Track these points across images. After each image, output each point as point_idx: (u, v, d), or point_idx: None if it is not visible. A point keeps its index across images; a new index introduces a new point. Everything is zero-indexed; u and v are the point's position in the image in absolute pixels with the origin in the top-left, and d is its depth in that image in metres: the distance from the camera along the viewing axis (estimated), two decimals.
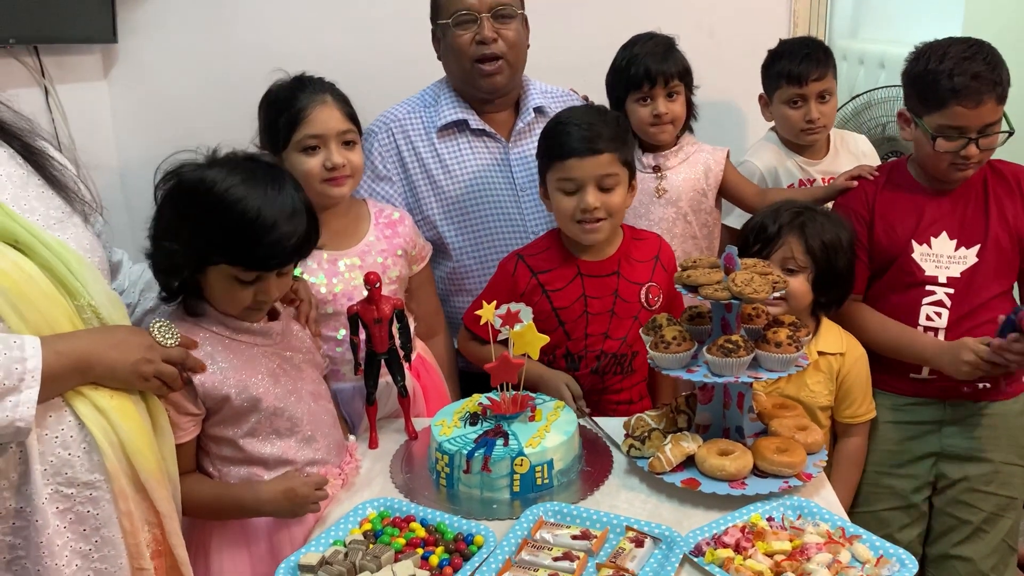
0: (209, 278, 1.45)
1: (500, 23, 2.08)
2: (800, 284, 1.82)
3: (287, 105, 1.77)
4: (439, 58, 2.20)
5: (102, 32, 2.82)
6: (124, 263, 1.62)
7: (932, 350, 1.89)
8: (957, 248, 1.94)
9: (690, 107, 2.23)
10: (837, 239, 1.86)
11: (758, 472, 1.53)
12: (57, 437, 1.22)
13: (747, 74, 2.73)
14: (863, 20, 4.29)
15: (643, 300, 1.89)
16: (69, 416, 1.24)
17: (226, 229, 1.38)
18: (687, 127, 2.26)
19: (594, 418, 1.80)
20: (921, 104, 1.91)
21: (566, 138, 1.82)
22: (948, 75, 1.83)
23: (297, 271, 1.70)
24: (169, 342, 1.35)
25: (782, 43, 2.40)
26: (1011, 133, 1.90)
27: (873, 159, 2.47)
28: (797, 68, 2.27)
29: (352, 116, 1.83)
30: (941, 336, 1.91)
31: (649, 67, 2.15)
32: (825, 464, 1.60)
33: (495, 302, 1.63)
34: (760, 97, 2.43)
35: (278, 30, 2.84)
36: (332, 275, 1.83)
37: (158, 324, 1.35)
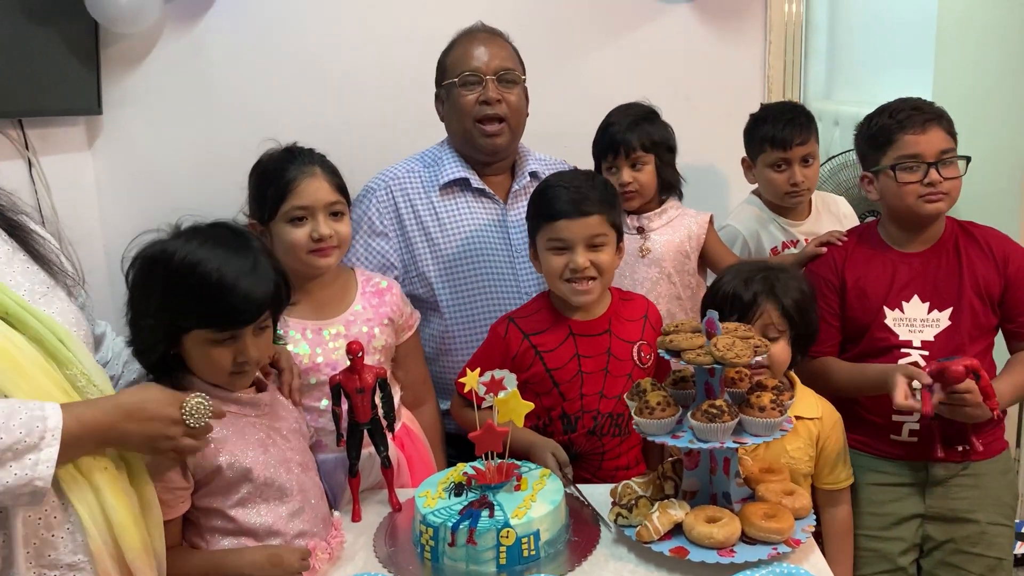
0: (187, 348, 1.45)
1: (504, 87, 2.15)
2: (782, 349, 1.82)
3: (276, 176, 1.79)
4: (442, 119, 2.26)
5: (87, 104, 2.85)
6: (107, 335, 1.62)
7: (875, 373, 1.89)
8: (930, 311, 1.96)
9: (664, 175, 2.25)
10: (804, 294, 1.88)
11: (746, 539, 1.52)
12: (40, 519, 1.20)
13: (724, 138, 2.80)
14: (836, 82, 4.41)
15: (636, 358, 1.90)
16: (52, 497, 1.22)
17: (190, 291, 1.39)
18: (674, 193, 2.29)
19: (579, 487, 1.78)
20: (874, 150, 2.00)
21: (556, 200, 1.85)
22: (890, 114, 1.97)
23: (280, 341, 1.70)
24: (197, 425, 1.31)
25: (764, 108, 2.47)
26: (968, 159, 1.96)
27: (853, 220, 2.52)
28: (781, 133, 2.32)
29: (341, 187, 1.85)
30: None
31: (614, 137, 2.23)
32: (814, 529, 1.58)
33: (479, 369, 1.63)
34: (743, 160, 2.47)
35: (262, 101, 2.87)
36: (316, 344, 1.82)
37: (193, 401, 1.30)
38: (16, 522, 1.18)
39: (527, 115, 2.25)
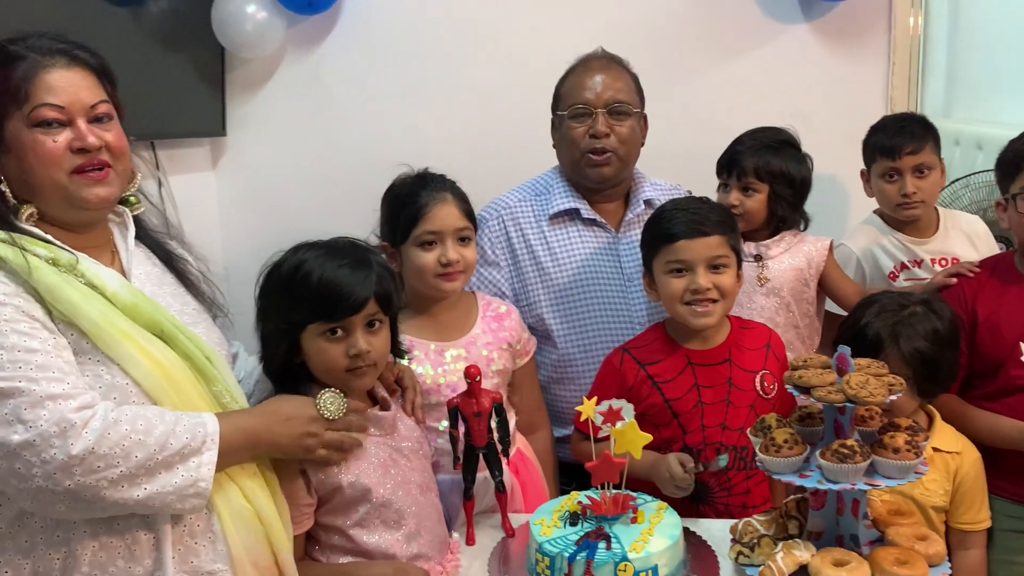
0: (305, 349, 1.50)
1: (615, 119, 2.12)
2: (904, 399, 1.74)
3: (409, 201, 1.83)
4: (554, 146, 2.25)
5: (212, 126, 2.98)
6: (240, 355, 1.69)
7: (1011, 433, 1.79)
8: None
9: (776, 208, 2.18)
10: (937, 337, 1.78)
11: None
12: (185, 526, 1.27)
13: (844, 159, 2.72)
14: (955, 100, 4.21)
15: (759, 388, 1.85)
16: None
17: (297, 288, 1.47)
18: (790, 228, 2.22)
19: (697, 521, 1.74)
20: (1004, 177, 1.92)
21: (673, 221, 1.83)
22: None
23: (404, 355, 1.74)
24: (334, 415, 1.41)
25: (883, 118, 2.40)
26: None
27: (988, 240, 2.38)
28: (890, 141, 2.25)
29: (469, 213, 1.88)
30: None
31: (733, 156, 2.19)
32: None
33: (595, 398, 1.61)
34: (862, 173, 2.40)
35: (378, 124, 2.95)
36: (438, 365, 1.85)
37: (325, 396, 1.41)
38: (165, 527, 1.25)
39: (642, 144, 2.21)
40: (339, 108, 2.98)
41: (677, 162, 2.37)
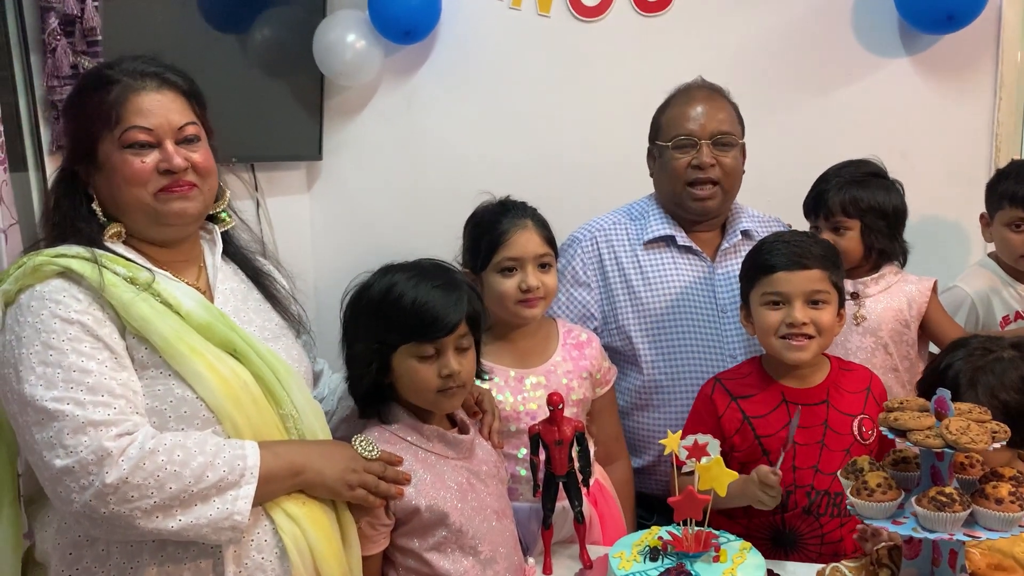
0: (396, 371, 1.52)
1: (719, 151, 2.09)
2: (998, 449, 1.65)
3: (490, 228, 1.85)
4: (651, 175, 2.23)
5: (309, 150, 3.09)
6: (325, 372, 1.72)
7: None
8: None
9: (873, 242, 2.13)
10: (1020, 384, 1.66)
11: None
12: (253, 540, 1.28)
13: (944, 198, 2.64)
14: None
15: (856, 433, 1.78)
16: (266, 521, 1.30)
17: (390, 310, 1.49)
18: (892, 261, 2.16)
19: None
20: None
21: (773, 252, 1.80)
22: None
23: (485, 376, 1.75)
24: (371, 455, 1.41)
25: (1013, 163, 2.32)
26: None
27: None
28: (1023, 190, 2.15)
29: (550, 240, 1.89)
30: None
31: (817, 197, 2.15)
32: None
33: (680, 431, 1.58)
34: (981, 216, 2.31)
35: (469, 151, 3.00)
36: (517, 392, 1.85)
37: (360, 439, 1.43)
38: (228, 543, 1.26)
39: (743, 173, 2.18)
40: (430, 135, 3.05)
41: (775, 195, 2.33)
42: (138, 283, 1.30)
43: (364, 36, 2.86)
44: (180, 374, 1.28)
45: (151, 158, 1.34)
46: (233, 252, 1.52)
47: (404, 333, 1.50)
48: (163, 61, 1.41)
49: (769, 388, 1.84)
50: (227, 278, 1.46)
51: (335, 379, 1.71)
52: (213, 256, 1.47)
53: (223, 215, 1.50)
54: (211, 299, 1.41)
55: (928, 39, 2.73)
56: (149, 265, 1.36)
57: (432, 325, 1.49)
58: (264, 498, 1.28)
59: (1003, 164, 2.43)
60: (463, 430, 1.62)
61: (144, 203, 1.35)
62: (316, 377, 1.68)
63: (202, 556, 1.26)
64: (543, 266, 1.85)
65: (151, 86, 1.36)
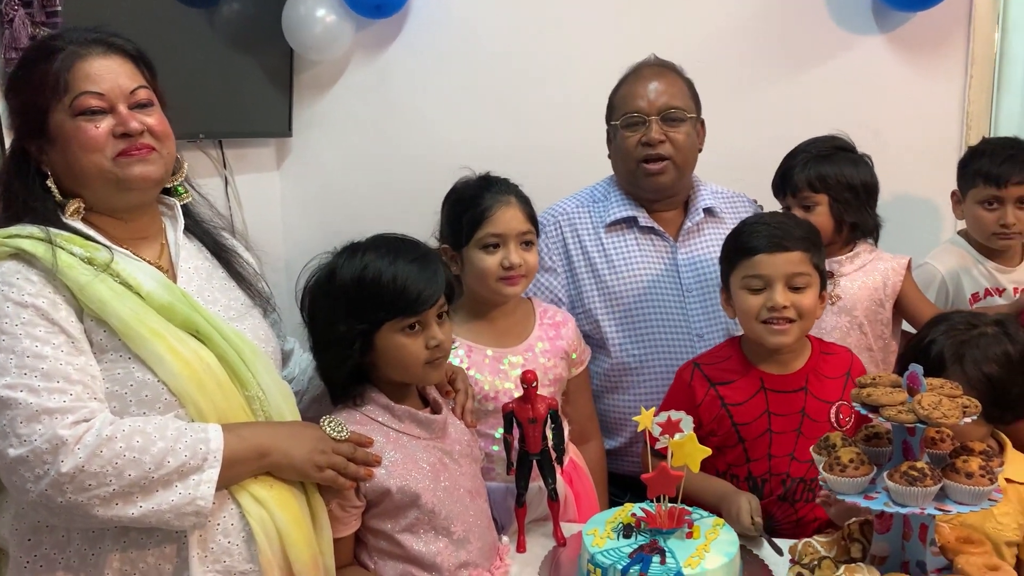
0: (380, 349, 1.50)
1: (669, 126, 2.08)
2: (973, 424, 1.66)
3: (472, 203, 1.83)
4: (609, 157, 2.22)
5: (279, 126, 3.03)
6: (295, 351, 1.69)
7: None
8: None
9: (843, 216, 2.12)
10: (1004, 358, 1.67)
11: None
12: (219, 524, 1.26)
13: (915, 175, 2.65)
14: None
15: (833, 420, 1.78)
16: (232, 504, 1.28)
17: (372, 287, 1.47)
18: (864, 236, 2.17)
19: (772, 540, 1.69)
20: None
21: (754, 235, 1.78)
22: None
23: (461, 364, 1.75)
24: (340, 436, 1.39)
25: (985, 141, 2.32)
26: None
27: None
28: (997, 169, 2.16)
29: (532, 217, 1.87)
30: None
31: (783, 174, 2.15)
32: None
33: (653, 408, 1.58)
34: (953, 194, 2.32)
35: (443, 127, 2.96)
36: (495, 372, 1.84)
37: (328, 420, 1.41)
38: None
39: (699, 150, 2.17)
40: (403, 111, 3.01)
41: (749, 173, 2.31)
42: (96, 263, 1.27)
43: (334, 10, 2.81)
44: (140, 357, 1.25)
45: (105, 123, 1.30)
46: (196, 228, 1.48)
47: (389, 310, 1.48)
48: (108, 28, 1.37)
49: (748, 374, 1.83)
50: (191, 256, 1.43)
51: (305, 358, 1.68)
52: (175, 232, 1.43)
53: (179, 188, 1.46)
54: (174, 278, 1.38)
55: (901, 16, 2.74)
56: (109, 243, 1.32)
57: (417, 299, 1.48)
58: (229, 481, 1.26)
59: (974, 142, 2.44)
60: (435, 410, 1.60)
61: (103, 169, 1.31)
62: (286, 356, 1.66)
63: (166, 541, 1.24)
64: (525, 243, 1.84)
65: (97, 51, 1.32)
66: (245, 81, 2.83)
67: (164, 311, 1.29)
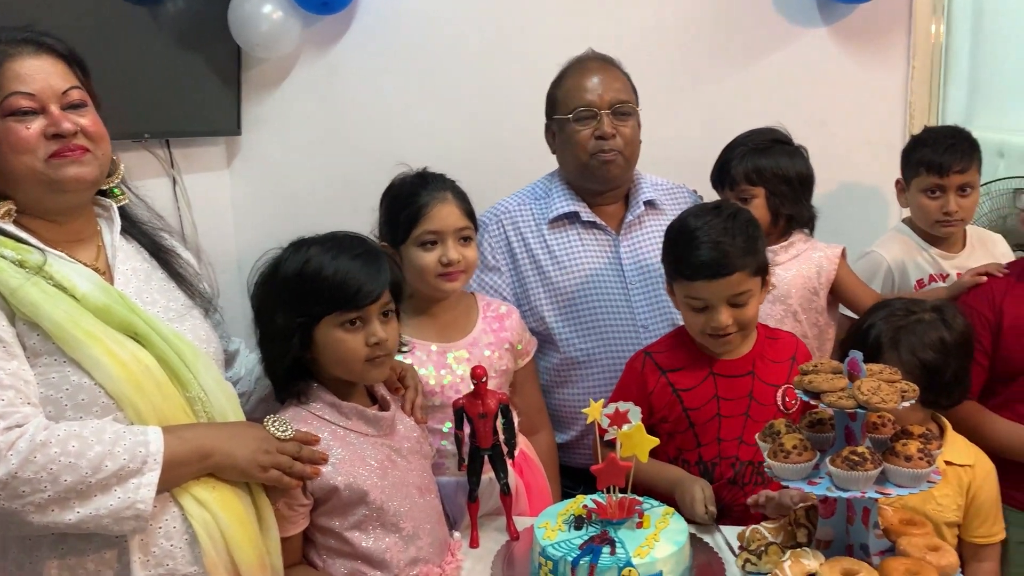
0: (319, 343, 1.49)
1: (618, 120, 2.09)
2: (911, 408, 1.70)
3: (409, 201, 1.82)
4: (553, 151, 2.22)
5: (227, 125, 2.98)
6: (240, 352, 1.67)
7: None
8: None
9: (779, 208, 2.16)
10: (939, 343, 1.72)
11: None
12: (161, 528, 1.24)
13: (861, 165, 2.69)
14: (977, 108, 4.16)
15: (780, 403, 1.81)
16: (174, 507, 1.26)
17: (312, 280, 1.46)
18: (800, 227, 2.20)
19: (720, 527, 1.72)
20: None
21: (694, 258, 1.74)
22: None
23: (404, 348, 1.72)
24: (284, 435, 1.38)
25: (927, 130, 2.36)
26: None
27: (1009, 258, 2.34)
28: (939, 157, 2.20)
29: (470, 213, 1.87)
30: None
31: (720, 168, 2.17)
32: None
33: (602, 400, 1.59)
34: (897, 182, 2.36)
35: (395, 124, 2.94)
36: (440, 367, 1.83)
37: (273, 419, 1.39)
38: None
39: (640, 142, 2.18)
40: (354, 108, 2.98)
41: (697, 167, 2.32)
42: (28, 266, 1.24)
43: (280, 6, 2.77)
44: (76, 360, 1.23)
45: (36, 124, 1.28)
46: (133, 229, 1.46)
47: (328, 303, 1.47)
48: (39, 28, 1.34)
49: (698, 361, 1.85)
50: (128, 257, 1.40)
51: (252, 359, 1.66)
52: (111, 234, 1.40)
53: (115, 190, 1.43)
54: (111, 280, 1.35)
55: (844, 8, 2.78)
56: (42, 246, 1.29)
57: (357, 293, 1.47)
58: (171, 484, 1.24)
59: (917, 131, 2.48)
60: (384, 407, 1.60)
61: (36, 170, 1.28)
62: (231, 357, 1.64)
63: (106, 547, 1.22)
64: (463, 239, 1.84)
65: (28, 51, 1.30)
66: (191, 79, 2.78)
67: (100, 313, 1.26)
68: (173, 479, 1.24)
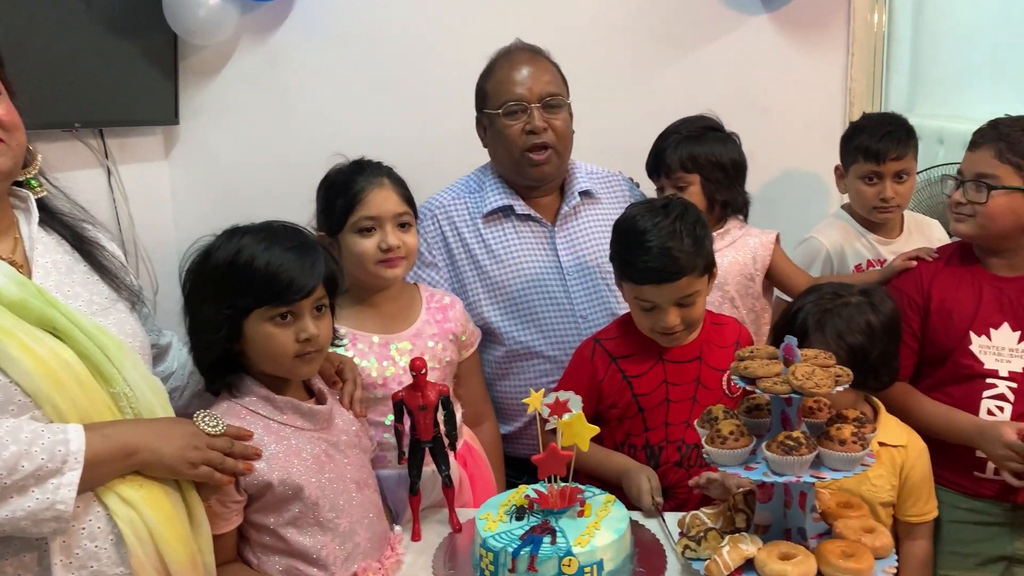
0: (248, 337, 1.45)
1: (549, 113, 2.07)
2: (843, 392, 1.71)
3: (345, 188, 1.80)
4: (484, 145, 2.19)
5: (164, 114, 2.91)
6: (173, 345, 1.62)
7: (969, 429, 1.78)
8: (1020, 340, 1.83)
9: (714, 195, 2.17)
10: (865, 327, 1.74)
11: None
12: (84, 528, 1.20)
13: (802, 151, 2.72)
14: (919, 95, 4.24)
15: (725, 388, 1.83)
16: (98, 507, 1.21)
17: (241, 273, 1.43)
18: (734, 214, 2.22)
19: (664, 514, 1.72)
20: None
21: (642, 263, 1.73)
22: None
23: (340, 341, 1.70)
24: (215, 431, 1.33)
25: (865, 116, 2.38)
26: None
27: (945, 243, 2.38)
28: (876, 145, 2.23)
29: (408, 199, 1.84)
30: None
31: (655, 157, 2.18)
32: (895, 571, 1.49)
33: (543, 390, 1.58)
34: (836, 168, 2.38)
35: (336, 112, 2.90)
36: (383, 359, 1.81)
37: (202, 415, 1.34)
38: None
39: (573, 134, 2.15)
40: (295, 96, 2.93)
41: (638, 155, 2.33)
42: None
43: None
44: None
45: None
46: (52, 221, 1.40)
47: (258, 297, 1.43)
48: None
49: (646, 347, 1.86)
50: (48, 250, 1.34)
51: (185, 353, 1.62)
52: (29, 226, 1.35)
53: (32, 181, 1.38)
54: (29, 273, 1.30)
55: None
56: None
57: (289, 287, 1.43)
58: (94, 483, 1.19)
59: (857, 118, 2.51)
60: (320, 400, 1.57)
61: None
62: (163, 351, 1.59)
63: (25, 549, 1.17)
64: (403, 225, 1.81)
65: None
66: (125, 67, 2.70)
67: (16, 308, 1.21)
68: (96, 478, 1.20)
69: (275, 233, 1.49)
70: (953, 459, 1.84)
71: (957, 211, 1.88)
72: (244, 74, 2.93)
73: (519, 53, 2.13)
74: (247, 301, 1.43)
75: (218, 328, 1.44)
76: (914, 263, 1.99)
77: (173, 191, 3.04)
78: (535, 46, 2.15)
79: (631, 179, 2.31)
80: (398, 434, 1.67)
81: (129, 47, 2.71)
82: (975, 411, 1.83)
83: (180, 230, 3.01)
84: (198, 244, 1.51)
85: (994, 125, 1.86)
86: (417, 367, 1.62)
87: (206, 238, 1.52)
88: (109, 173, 2.70)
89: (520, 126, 2.06)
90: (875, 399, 1.82)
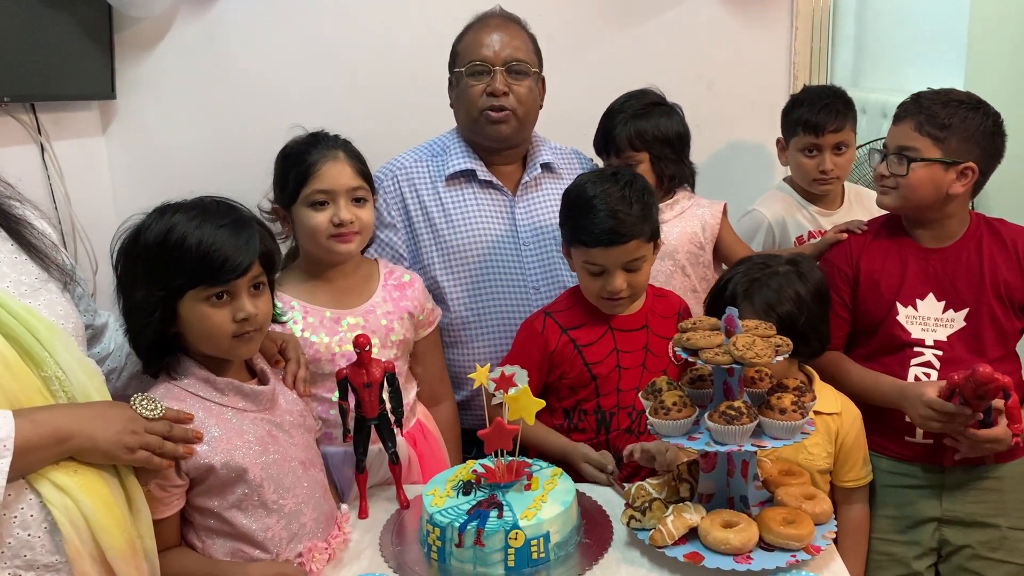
0: (184, 318, 1.42)
1: (513, 78, 2.07)
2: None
3: (299, 160, 1.77)
4: (451, 105, 2.19)
5: (100, 88, 2.82)
6: (110, 325, 1.58)
7: (892, 391, 1.82)
8: (945, 310, 1.88)
9: (663, 169, 2.19)
10: (794, 296, 1.76)
11: (764, 545, 1.46)
12: (16, 517, 1.17)
13: (746, 125, 2.74)
14: (864, 69, 4.29)
15: (671, 355, 1.86)
16: (30, 495, 1.18)
17: (175, 251, 1.38)
18: (682, 185, 2.23)
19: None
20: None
21: (592, 226, 1.77)
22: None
23: (281, 316, 1.67)
24: (153, 414, 1.30)
25: (805, 89, 2.41)
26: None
27: None
28: (815, 117, 2.25)
29: (364, 173, 1.82)
30: None
31: (604, 136, 2.20)
32: (835, 535, 1.53)
33: (488, 364, 1.58)
34: (777, 141, 2.41)
35: (276, 85, 2.83)
36: (333, 333, 1.79)
37: (139, 398, 1.31)
38: None
39: (540, 106, 2.17)
40: (236, 70, 2.86)
41: (585, 130, 2.32)
42: None
43: None
44: None
45: None
46: None
47: (191, 277, 1.39)
48: None
49: (595, 317, 1.89)
50: None
51: (122, 333, 1.58)
52: None
53: None
54: None
55: None
56: None
57: (223, 267, 1.40)
58: (25, 470, 1.16)
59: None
60: (263, 380, 1.54)
61: None
62: (99, 332, 1.55)
63: None
64: (357, 200, 1.78)
65: None
66: (57, 40, 2.60)
67: None
68: (28, 465, 1.16)
69: (207, 210, 1.45)
70: (884, 424, 1.89)
71: (881, 183, 1.91)
72: (182, 47, 2.85)
73: (494, 18, 2.14)
74: (180, 282, 1.39)
75: (152, 310, 1.40)
76: (845, 236, 2.03)
77: (111, 167, 2.95)
78: (513, 14, 2.16)
79: (591, 160, 2.32)
80: (343, 412, 1.65)
81: (61, 18, 2.60)
82: (904, 378, 1.86)
83: (119, 207, 2.92)
84: (129, 223, 1.46)
85: (916, 98, 1.89)
86: (361, 344, 1.60)
87: (137, 216, 1.47)
88: (43, 149, 2.61)
89: (482, 87, 2.07)
90: (809, 368, 1.85)
